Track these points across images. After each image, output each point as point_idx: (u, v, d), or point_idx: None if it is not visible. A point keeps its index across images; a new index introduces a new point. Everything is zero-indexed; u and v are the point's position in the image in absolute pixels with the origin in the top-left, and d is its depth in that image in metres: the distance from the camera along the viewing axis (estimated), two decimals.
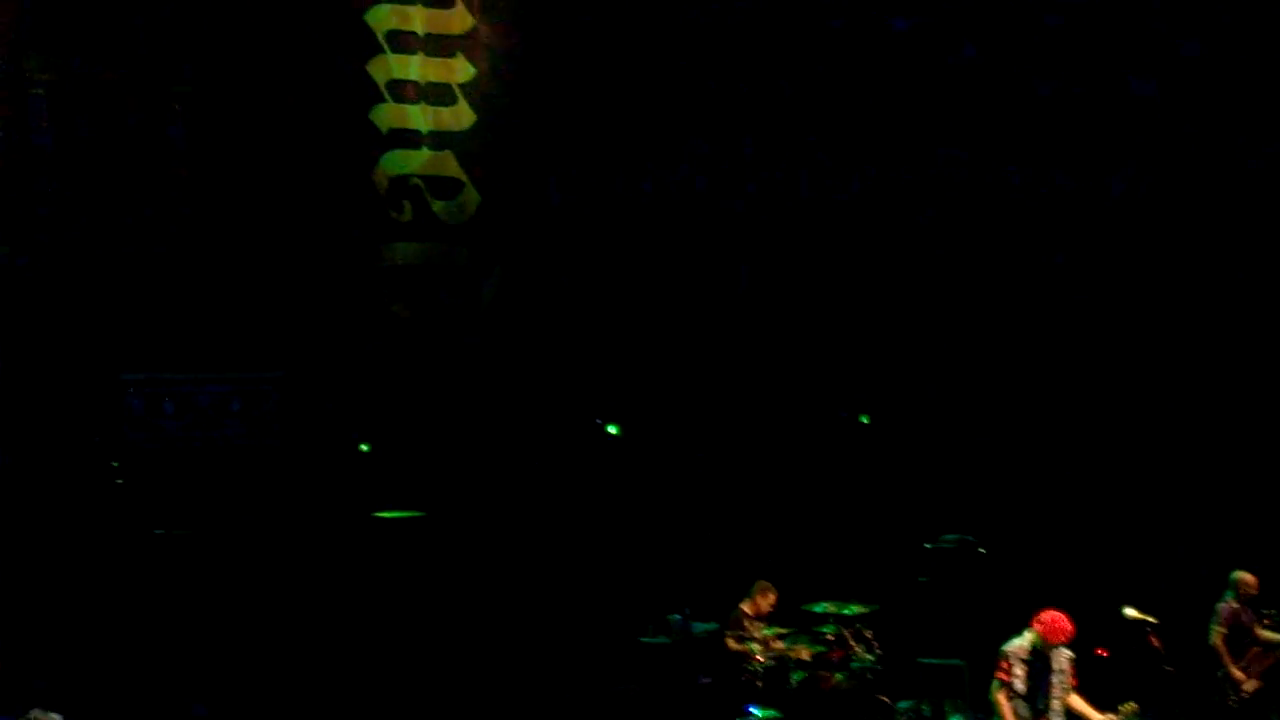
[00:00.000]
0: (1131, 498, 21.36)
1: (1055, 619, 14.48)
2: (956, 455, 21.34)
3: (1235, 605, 17.54)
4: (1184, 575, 18.75)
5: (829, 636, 17.84)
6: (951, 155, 21.90)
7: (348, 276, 19.74)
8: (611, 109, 20.97)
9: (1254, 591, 17.50)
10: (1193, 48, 21.59)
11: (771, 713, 16.59)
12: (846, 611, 17.94)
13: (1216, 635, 17.44)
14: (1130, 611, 17.70)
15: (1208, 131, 21.56)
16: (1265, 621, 17.33)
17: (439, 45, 20.22)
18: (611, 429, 20.43)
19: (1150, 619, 17.56)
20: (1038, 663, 14.51)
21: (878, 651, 17.40)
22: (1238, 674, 17.43)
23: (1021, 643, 14.54)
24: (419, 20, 20.12)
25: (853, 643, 17.75)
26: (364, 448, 19.55)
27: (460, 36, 20.28)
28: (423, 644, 18.53)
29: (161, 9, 18.97)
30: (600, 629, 18.37)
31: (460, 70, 20.28)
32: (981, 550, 19.24)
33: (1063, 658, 14.58)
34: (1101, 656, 19.20)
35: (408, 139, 20.05)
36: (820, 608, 18.07)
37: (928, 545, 19.36)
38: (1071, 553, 21.41)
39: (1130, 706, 14.95)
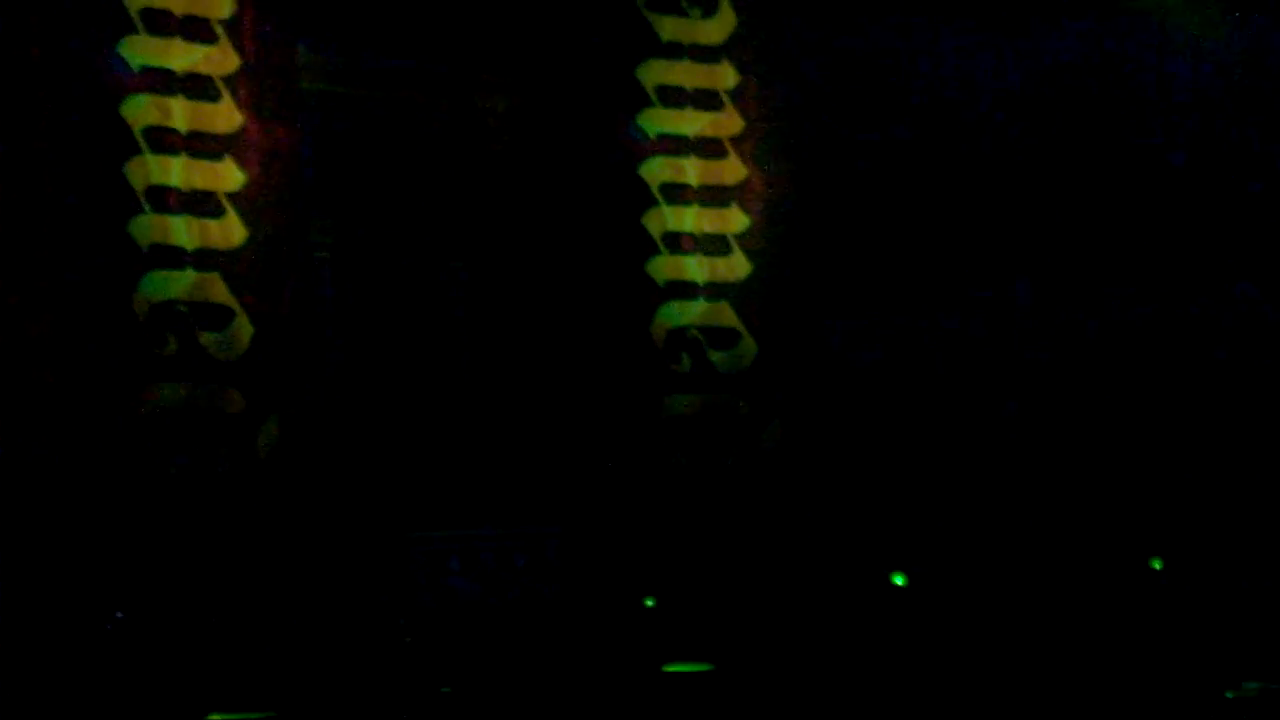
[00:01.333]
0: None
1: None
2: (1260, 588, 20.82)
3: None
4: None
5: None
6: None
7: (630, 429, 19.80)
8: (888, 253, 20.97)
9: None
10: None
11: None
12: None
13: None
14: None
15: None
16: None
17: (714, 196, 20.30)
18: (897, 579, 20.17)
19: None
20: None
21: None
22: None
23: None
24: (693, 172, 20.24)
25: None
26: (649, 602, 19.50)
27: (734, 187, 20.35)
28: None
29: (437, 176, 19.41)
30: None
31: (735, 220, 20.34)
32: None
33: None
34: None
35: (684, 290, 20.14)
36: None
37: (1229, 694, 18.76)
38: None
39: None
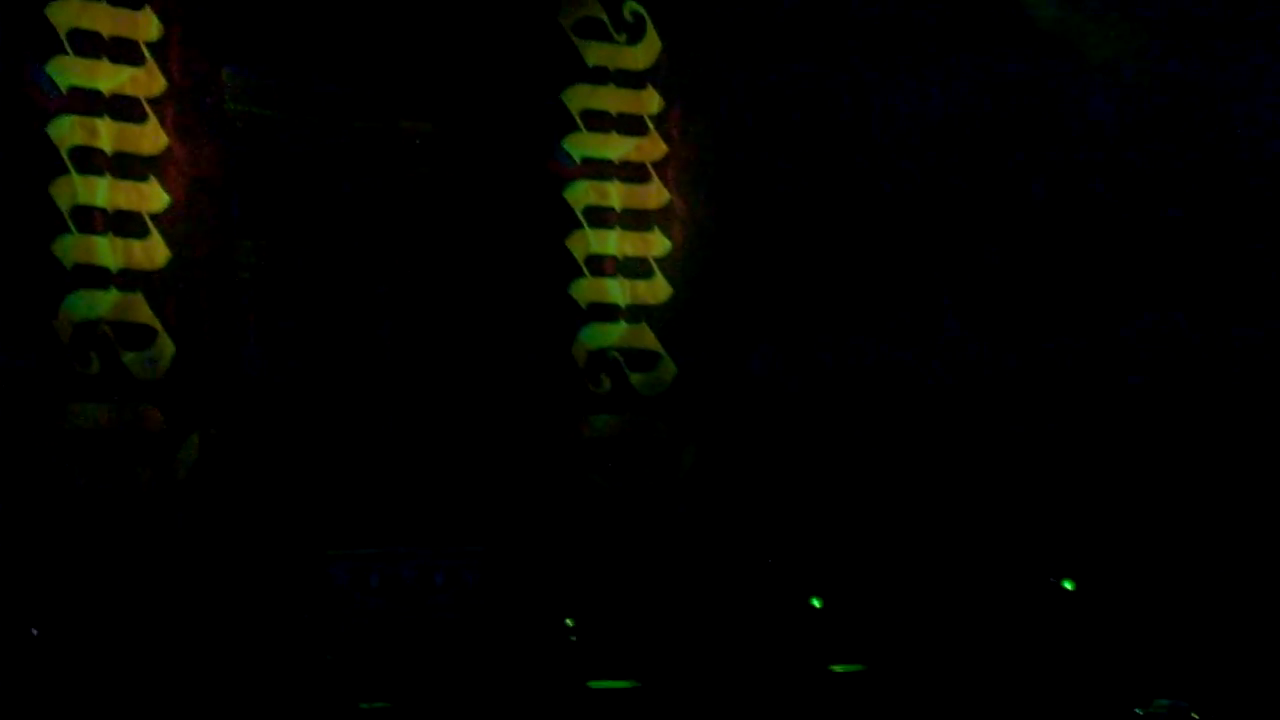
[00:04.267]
0: None
1: None
2: (1165, 610, 21.05)
3: None
4: None
5: None
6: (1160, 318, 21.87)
7: (548, 449, 19.96)
8: (811, 280, 21.15)
9: None
10: None
11: None
12: None
13: None
14: None
15: None
16: None
17: (636, 220, 20.50)
18: (815, 602, 20.37)
19: None
20: None
21: None
22: None
23: None
24: (616, 196, 20.43)
25: None
26: (569, 622, 19.64)
27: (656, 211, 20.55)
28: None
29: (361, 198, 19.57)
30: None
31: (657, 244, 20.55)
32: (1194, 716, 18.80)
33: None
34: None
35: (606, 313, 20.33)
36: None
37: (1139, 711, 18.96)
38: None
39: None
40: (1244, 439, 21.52)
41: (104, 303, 17.69)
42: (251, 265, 19.22)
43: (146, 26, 18.13)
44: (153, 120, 18.04)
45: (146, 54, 18.09)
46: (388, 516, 19.22)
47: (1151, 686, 19.25)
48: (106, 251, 17.73)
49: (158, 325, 17.90)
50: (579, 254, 20.26)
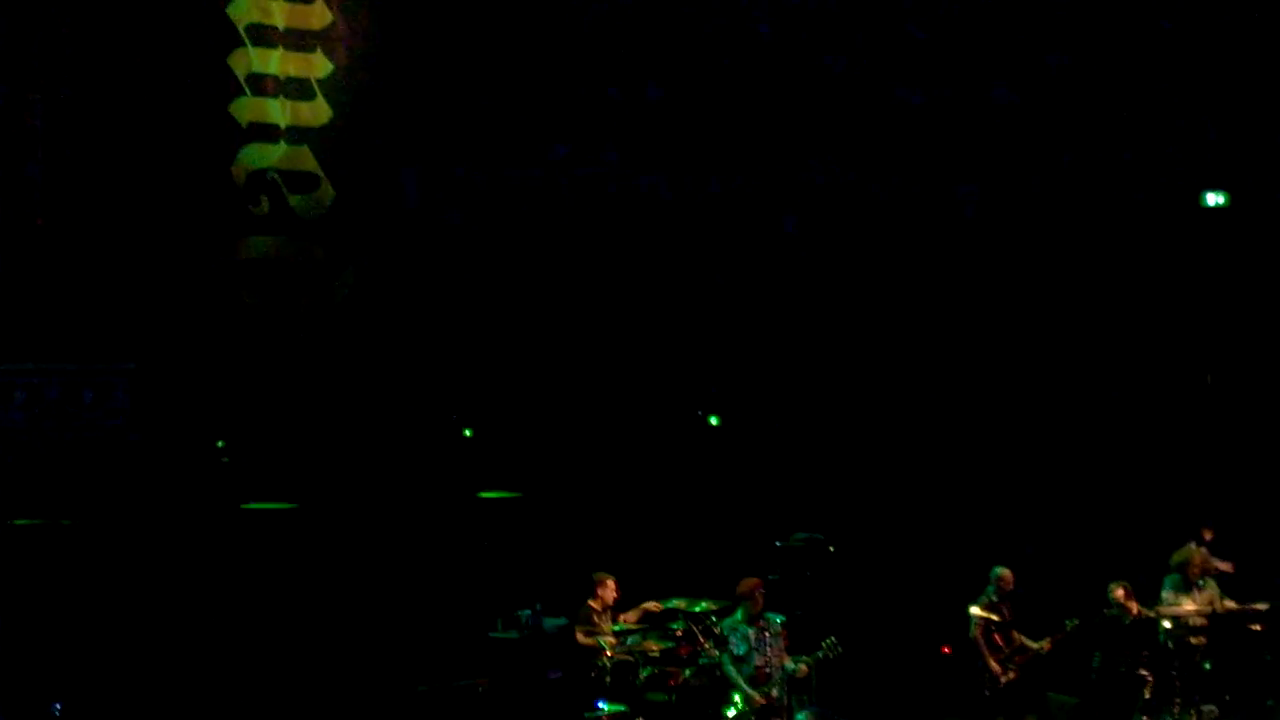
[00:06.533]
0: (977, 497, 21.82)
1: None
2: (807, 454, 21.69)
3: (994, 600, 18.04)
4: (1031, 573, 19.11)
5: (678, 633, 18.05)
6: (815, 163, 22.21)
7: (204, 269, 19.71)
8: (470, 107, 21.06)
9: (1010, 588, 18.03)
10: (1059, 58, 22.06)
11: (619, 708, 16.73)
12: (696, 608, 18.17)
13: (975, 628, 17.96)
14: (976, 611, 18.19)
15: (1071, 142, 22.09)
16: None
17: (299, 40, 20.23)
18: (467, 431, 20.57)
19: (993, 617, 18.01)
20: (752, 631, 16.09)
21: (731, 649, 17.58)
22: (995, 667, 17.90)
23: (738, 617, 16.19)
24: (279, 14, 20.13)
25: (702, 639, 17.94)
26: (220, 444, 19.54)
27: (320, 32, 20.31)
28: (281, 636, 18.62)
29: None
30: (451, 624, 18.45)
31: (319, 65, 20.32)
32: (831, 549, 19.46)
33: (775, 624, 16.19)
34: (946, 654, 19.67)
35: (266, 133, 20.08)
36: (671, 604, 18.31)
37: (778, 543, 19.55)
38: (919, 551, 21.83)
39: (831, 643, 16.11)
40: (891, 281, 22.22)
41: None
42: None
43: None
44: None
45: None
46: (34, 333, 18.81)
47: (792, 522, 19.96)
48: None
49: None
50: (240, 72, 19.95)
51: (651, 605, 17.25)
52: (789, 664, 16.23)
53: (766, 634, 16.13)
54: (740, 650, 16.12)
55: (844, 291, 22.15)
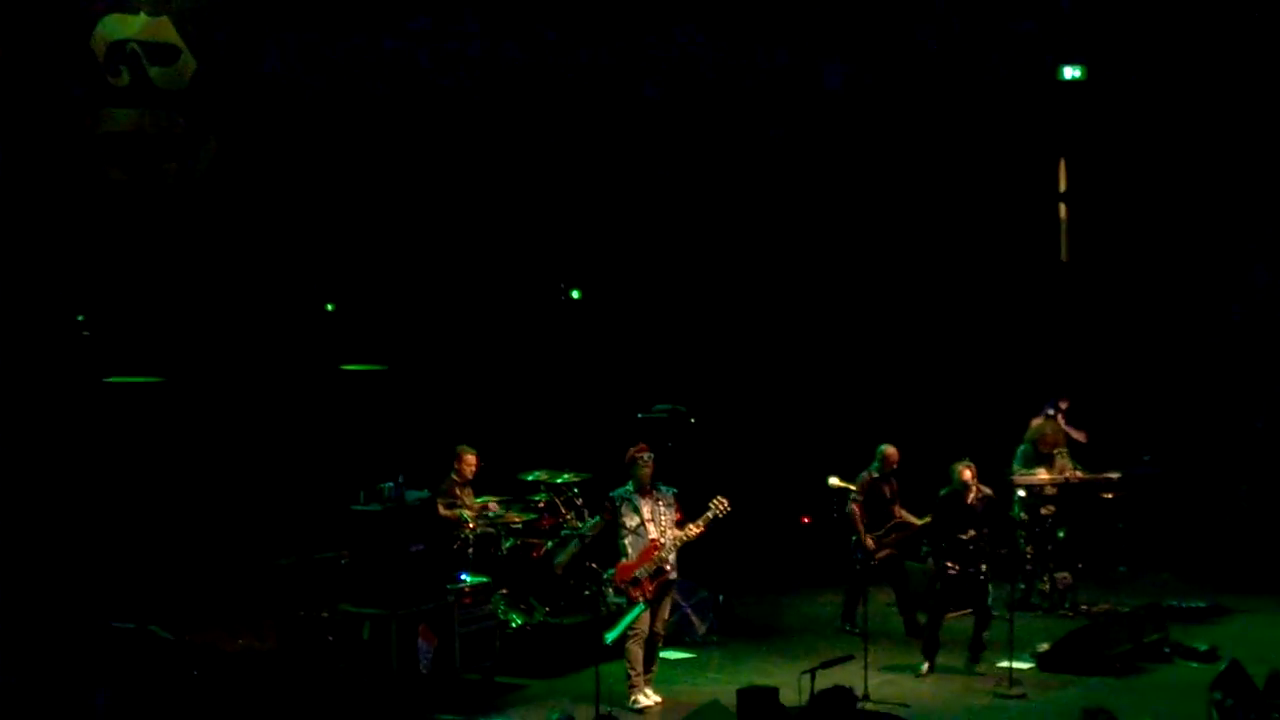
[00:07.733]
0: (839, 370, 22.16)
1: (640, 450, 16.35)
2: (668, 326, 21.91)
3: (875, 476, 18.40)
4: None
5: (540, 504, 18.29)
6: (682, 34, 22.23)
7: (63, 142, 19.50)
8: None
9: (894, 465, 18.35)
10: None
11: (482, 579, 16.95)
12: (559, 480, 18.41)
13: (853, 503, 18.29)
14: (834, 481, 18.54)
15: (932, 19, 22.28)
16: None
17: None
18: (329, 306, 20.66)
19: (852, 486, 18.36)
20: (645, 502, 16.21)
21: (590, 519, 17.79)
22: (870, 541, 18.29)
23: (629, 488, 16.26)
24: None
25: (564, 510, 18.19)
26: (80, 318, 19.45)
27: None
28: (144, 510, 18.72)
29: None
30: (313, 497, 18.57)
31: None
32: (692, 420, 19.69)
33: (667, 495, 16.33)
34: (805, 524, 20.04)
35: (125, 4, 19.79)
36: (533, 476, 18.54)
37: (640, 415, 19.75)
38: (781, 423, 22.16)
39: (719, 501, 16.28)
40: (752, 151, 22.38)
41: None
42: None
43: None
44: None
45: None
46: None
47: (653, 394, 20.17)
48: None
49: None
50: None
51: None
52: (682, 533, 16.21)
53: (660, 504, 16.23)
54: (633, 523, 16.19)
55: (706, 161, 22.27)
